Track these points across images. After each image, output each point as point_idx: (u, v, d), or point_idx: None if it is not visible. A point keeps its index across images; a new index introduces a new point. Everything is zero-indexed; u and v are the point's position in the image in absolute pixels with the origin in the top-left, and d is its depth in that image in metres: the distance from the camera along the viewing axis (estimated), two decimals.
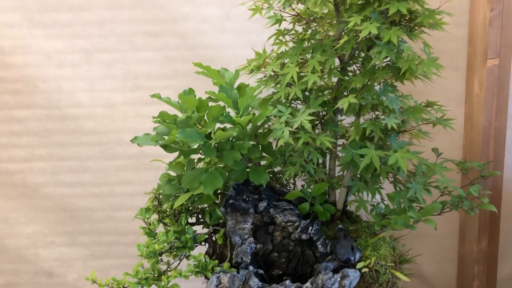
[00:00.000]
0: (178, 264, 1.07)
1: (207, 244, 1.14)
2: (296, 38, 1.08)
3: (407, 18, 0.91)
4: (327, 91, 1.05)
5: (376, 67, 0.92)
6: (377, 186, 1.03)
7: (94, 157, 1.51)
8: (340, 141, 1.12)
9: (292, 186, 1.22)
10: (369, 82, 0.93)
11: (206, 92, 1.05)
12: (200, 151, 0.96)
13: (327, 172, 1.08)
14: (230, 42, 1.44)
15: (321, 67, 0.95)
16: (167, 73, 1.47)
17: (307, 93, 1.03)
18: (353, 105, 0.91)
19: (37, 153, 1.51)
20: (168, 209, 1.09)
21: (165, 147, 0.97)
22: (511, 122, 1.45)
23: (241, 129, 0.92)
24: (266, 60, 1.04)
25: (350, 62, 0.96)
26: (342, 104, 0.90)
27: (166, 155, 1.09)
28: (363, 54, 0.96)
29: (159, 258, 1.02)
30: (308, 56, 1.00)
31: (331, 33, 1.05)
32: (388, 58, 0.90)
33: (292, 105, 1.05)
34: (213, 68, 1.14)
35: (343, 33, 0.94)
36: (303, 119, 0.90)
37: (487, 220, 1.46)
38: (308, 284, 0.93)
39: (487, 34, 1.34)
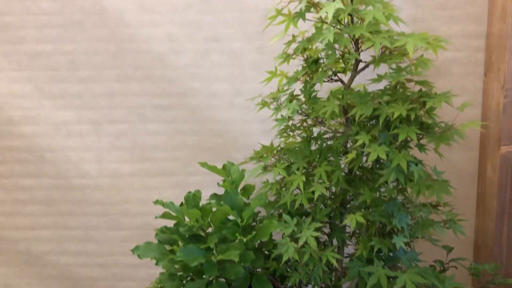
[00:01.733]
0: None
1: None
2: (304, 133, 1.06)
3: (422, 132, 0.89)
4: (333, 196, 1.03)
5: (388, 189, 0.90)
6: None
7: (99, 227, 1.50)
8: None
9: None
10: (377, 197, 0.90)
11: (210, 200, 1.03)
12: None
13: (334, 276, 1.05)
14: (239, 117, 1.43)
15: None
16: (175, 145, 1.46)
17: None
18: (360, 223, 0.89)
19: (42, 222, 1.50)
20: None
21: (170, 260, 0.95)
22: None
23: (244, 246, 0.90)
24: (271, 160, 1.02)
25: (358, 172, 0.94)
26: (349, 221, 0.87)
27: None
28: (371, 164, 0.94)
29: None
30: (314, 160, 0.97)
31: (339, 130, 1.03)
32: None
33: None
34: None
35: (349, 144, 0.92)
36: (309, 236, 0.88)
37: None
38: None
39: (501, 120, 1.31)
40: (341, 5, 0.82)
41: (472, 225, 1.46)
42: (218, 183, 1.06)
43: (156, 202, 1.02)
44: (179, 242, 0.91)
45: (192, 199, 0.97)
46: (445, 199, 1.14)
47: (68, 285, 1.54)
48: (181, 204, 0.99)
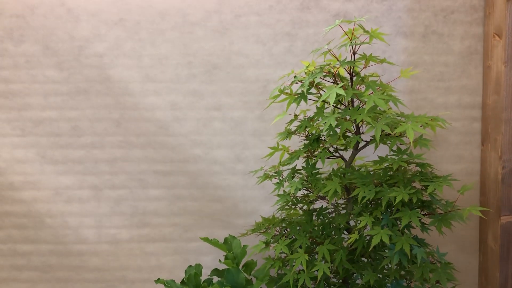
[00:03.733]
0: None
1: None
2: (305, 206, 1.07)
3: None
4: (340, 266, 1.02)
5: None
6: None
7: None
8: None
9: None
10: (380, 278, 0.90)
11: (211, 275, 1.02)
12: None
13: None
14: (240, 183, 1.44)
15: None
16: (175, 210, 1.46)
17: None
18: None
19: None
20: None
21: None
22: None
23: None
24: (273, 235, 1.02)
25: (361, 251, 0.94)
26: None
27: None
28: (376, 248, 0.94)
29: None
30: (317, 237, 0.97)
31: (341, 205, 1.04)
32: None
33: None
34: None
35: (352, 225, 0.92)
36: None
37: None
38: None
39: (500, 190, 1.32)
40: (342, 92, 0.85)
41: None
42: (219, 260, 1.06)
43: (158, 281, 1.00)
44: None
45: (194, 277, 0.96)
46: None
47: None
48: (182, 282, 0.98)
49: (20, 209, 1.45)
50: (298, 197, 1.07)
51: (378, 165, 0.91)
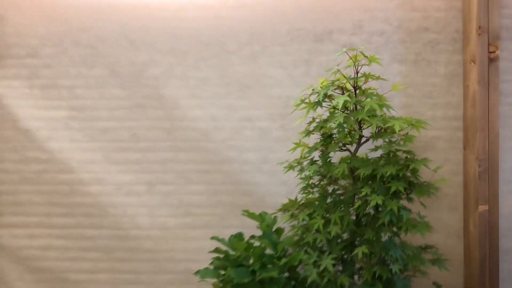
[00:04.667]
0: None
1: None
2: (321, 191, 1.39)
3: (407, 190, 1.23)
4: (345, 235, 1.34)
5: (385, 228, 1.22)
6: None
7: (148, 271, 1.79)
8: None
9: None
10: (377, 235, 1.22)
11: (251, 236, 1.35)
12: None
13: None
14: (266, 181, 1.77)
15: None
16: (213, 203, 1.79)
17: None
18: (366, 253, 1.20)
19: (101, 267, 1.80)
20: None
21: (222, 281, 1.25)
22: (503, 256, 1.70)
23: (280, 269, 1.20)
24: (296, 211, 1.34)
25: (362, 219, 1.26)
26: (357, 252, 1.18)
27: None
28: (373, 214, 1.26)
29: None
30: (330, 210, 1.30)
31: (349, 189, 1.36)
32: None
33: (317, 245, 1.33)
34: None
35: (356, 197, 1.25)
36: (328, 263, 1.19)
37: None
38: None
39: (477, 185, 1.64)
40: (348, 99, 1.19)
41: (462, 273, 1.74)
42: (257, 226, 1.38)
43: (213, 238, 1.33)
44: (229, 268, 1.21)
45: (238, 237, 1.28)
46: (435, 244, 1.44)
47: None
48: (229, 239, 1.30)
49: (88, 200, 1.79)
50: (315, 183, 1.40)
51: (374, 151, 1.24)
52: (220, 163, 1.78)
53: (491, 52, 1.63)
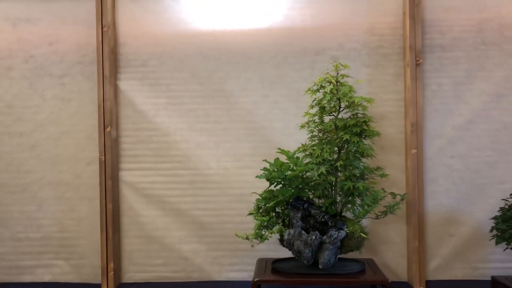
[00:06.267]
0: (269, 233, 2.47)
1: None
2: (319, 137, 2.58)
3: (362, 133, 2.40)
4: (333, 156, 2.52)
5: (352, 152, 2.39)
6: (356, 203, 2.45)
7: (216, 195, 2.96)
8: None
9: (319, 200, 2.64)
10: (349, 157, 2.40)
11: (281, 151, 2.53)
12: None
13: (334, 194, 2.51)
14: (287, 139, 2.92)
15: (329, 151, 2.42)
16: (255, 152, 2.95)
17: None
18: (342, 165, 2.37)
19: (187, 193, 2.97)
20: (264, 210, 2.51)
21: (269, 179, 2.41)
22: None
23: (297, 174, 2.36)
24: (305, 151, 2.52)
25: (342, 151, 2.44)
26: (338, 165, 2.37)
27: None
28: (346, 146, 2.44)
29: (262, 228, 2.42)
30: (324, 146, 2.49)
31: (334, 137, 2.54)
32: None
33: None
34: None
35: (338, 139, 2.43)
36: (322, 169, 2.36)
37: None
38: (324, 236, 2.33)
39: (410, 137, 2.81)
40: (333, 87, 2.37)
41: (404, 185, 2.90)
42: (285, 158, 2.55)
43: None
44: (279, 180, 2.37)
45: (276, 160, 2.46)
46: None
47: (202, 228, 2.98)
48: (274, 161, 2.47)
49: (179, 153, 2.97)
50: (315, 134, 2.57)
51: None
52: (259, 129, 2.94)
53: (417, 60, 2.80)
